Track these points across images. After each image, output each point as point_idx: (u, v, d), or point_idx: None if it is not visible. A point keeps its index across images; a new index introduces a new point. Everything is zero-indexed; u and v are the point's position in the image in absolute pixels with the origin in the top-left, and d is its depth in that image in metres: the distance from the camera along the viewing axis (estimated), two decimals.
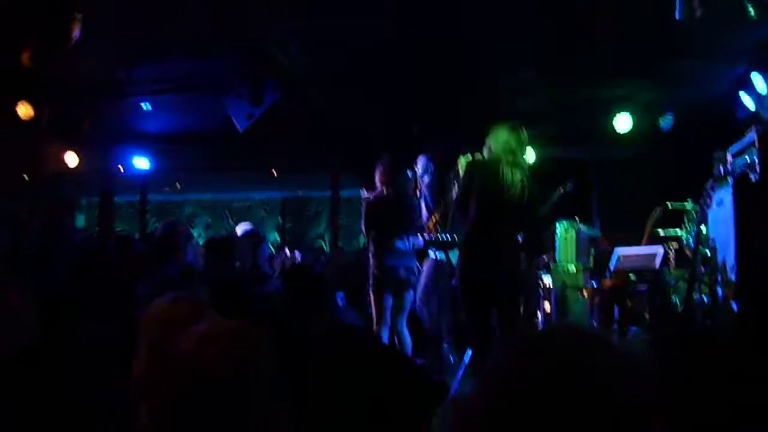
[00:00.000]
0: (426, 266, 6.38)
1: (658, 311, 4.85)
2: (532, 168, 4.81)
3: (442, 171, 6.56)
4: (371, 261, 5.76)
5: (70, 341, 3.04)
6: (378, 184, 5.89)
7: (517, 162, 4.63)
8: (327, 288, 6.71)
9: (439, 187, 6.50)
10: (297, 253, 8.27)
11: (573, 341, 1.05)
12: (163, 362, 1.62)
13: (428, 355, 6.29)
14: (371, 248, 5.80)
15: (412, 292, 5.86)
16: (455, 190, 5.62)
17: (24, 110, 8.02)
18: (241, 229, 6.97)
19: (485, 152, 4.82)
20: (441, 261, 5.82)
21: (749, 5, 5.12)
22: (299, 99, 7.86)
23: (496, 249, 4.53)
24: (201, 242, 14.11)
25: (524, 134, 4.75)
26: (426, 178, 6.60)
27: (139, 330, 2.26)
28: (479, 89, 8.43)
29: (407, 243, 5.77)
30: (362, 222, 5.92)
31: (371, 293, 5.74)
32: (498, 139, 4.68)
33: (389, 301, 5.70)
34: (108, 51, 7.10)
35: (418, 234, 5.87)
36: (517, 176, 4.58)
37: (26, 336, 2.36)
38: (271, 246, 11.73)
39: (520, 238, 4.90)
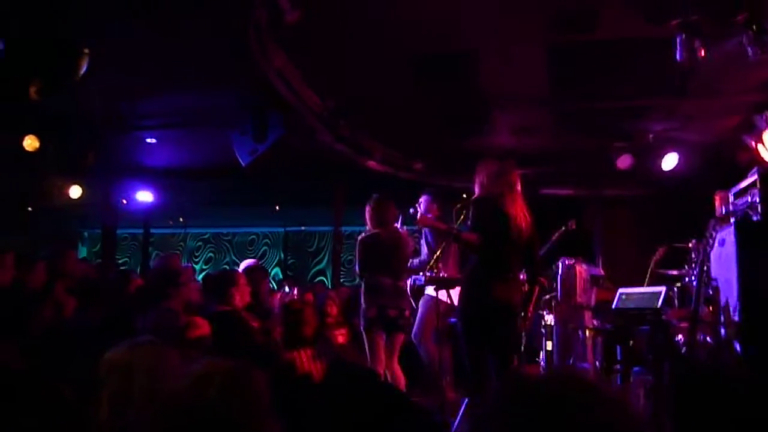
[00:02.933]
0: (422, 304, 6.35)
1: (661, 352, 4.80)
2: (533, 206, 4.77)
3: (445, 209, 6.56)
4: (362, 300, 5.76)
5: (65, 375, 3.02)
6: (368, 222, 5.91)
7: (515, 192, 4.61)
8: (321, 325, 6.70)
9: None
10: (294, 291, 8.24)
11: (564, 388, 1.05)
12: (159, 403, 1.61)
13: (427, 392, 6.23)
14: (362, 287, 5.81)
15: (402, 334, 5.84)
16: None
17: (30, 143, 8.08)
18: (244, 264, 6.97)
19: (476, 189, 4.79)
20: (439, 299, 5.80)
21: (749, 47, 5.17)
22: (303, 134, 7.90)
23: (501, 288, 4.48)
24: (202, 276, 14.11)
25: (514, 167, 4.74)
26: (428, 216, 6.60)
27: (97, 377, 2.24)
28: (483, 127, 8.48)
29: (403, 284, 5.77)
30: (356, 261, 5.93)
31: (363, 332, 5.74)
32: (491, 173, 4.66)
33: (382, 340, 5.68)
34: (113, 85, 7.17)
35: (418, 272, 5.87)
36: (519, 209, 4.56)
37: None
38: (272, 281, 11.71)
39: (523, 276, 4.87)
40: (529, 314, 4.80)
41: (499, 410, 1.06)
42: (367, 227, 5.96)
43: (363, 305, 5.72)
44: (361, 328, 5.73)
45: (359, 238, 5.96)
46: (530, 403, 1.04)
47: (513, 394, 1.08)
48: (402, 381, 5.76)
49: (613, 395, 1.08)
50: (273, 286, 10.09)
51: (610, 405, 1.05)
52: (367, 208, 5.94)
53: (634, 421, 1.07)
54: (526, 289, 4.80)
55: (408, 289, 6.00)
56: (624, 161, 8.83)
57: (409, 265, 6.08)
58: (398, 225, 6.15)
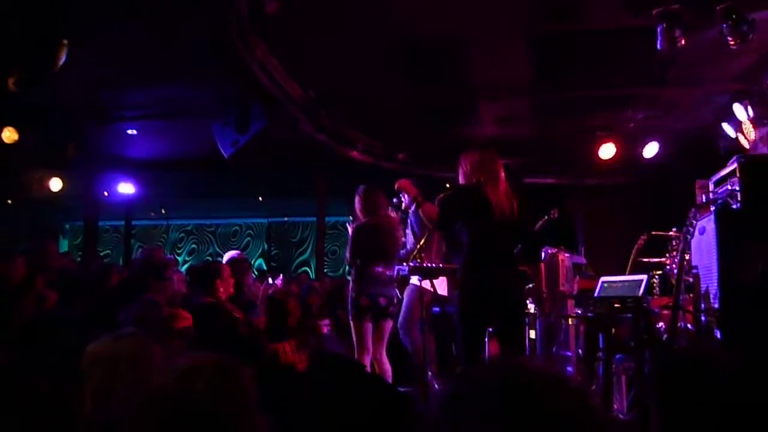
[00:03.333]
0: (407, 293, 6.36)
1: (643, 339, 4.85)
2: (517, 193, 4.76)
3: (428, 199, 6.56)
4: (351, 288, 5.75)
5: (46, 368, 3.00)
6: (359, 213, 5.90)
7: (497, 179, 4.60)
8: (305, 315, 6.69)
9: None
10: (279, 281, 8.22)
11: (525, 379, 1.08)
12: (143, 398, 1.60)
13: (412, 383, 6.25)
14: (353, 275, 5.79)
15: (390, 321, 5.83)
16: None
17: (8, 135, 7.99)
18: (228, 256, 6.94)
19: (460, 178, 4.79)
20: (423, 288, 5.80)
21: (729, 36, 5.21)
22: (285, 124, 7.88)
23: (496, 270, 4.47)
24: (185, 267, 14.05)
25: (495, 154, 4.73)
26: (412, 206, 6.60)
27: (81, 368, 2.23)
28: (466, 117, 8.50)
29: (393, 272, 5.75)
30: (348, 249, 5.89)
31: (351, 321, 5.72)
32: (472, 160, 4.66)
33: (369, 330, 5.67)
34: (93, 76, 7.10)
35: (403, 262, 5.86)
36: (503, 194, 4.55)
37: None
38: (255, 272, 11.68)
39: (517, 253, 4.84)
40: (544, 291, 4.79)
41: (462, 401, 1.08)
42: (358, 218, 5.94)
43: (352, 294, 5.70)
44: (350, 316, 5.72)
45: (354, 225, 5.92)
46: (491, 395, 1.05)
47: (474, 385, 1.10)
48: (389, 371, 5.77)
49: (573, 385, 1.10)
50: (255, 274, 10.06)
51: (571, 395, 1.07)
52: (356, 200, 5.92)
53: (594, 411, 1.09)
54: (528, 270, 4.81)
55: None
56: (606, 150, 8.88)
57: None
58: (391, 212, 6.16)
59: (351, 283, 5.78)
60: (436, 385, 6.28)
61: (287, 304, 5.12)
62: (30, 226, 14.76)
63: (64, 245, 16.49)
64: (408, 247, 6.36)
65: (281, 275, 8.40)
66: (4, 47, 5.72)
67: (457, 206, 4.62)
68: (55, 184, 10.30)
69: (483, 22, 6.06)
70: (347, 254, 5.90)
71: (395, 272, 5.79)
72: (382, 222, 5.83)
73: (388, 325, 5.81)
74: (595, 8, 5.71)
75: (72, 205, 12.81)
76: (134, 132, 9.34)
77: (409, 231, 6.49)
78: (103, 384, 2.12)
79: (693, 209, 4.65)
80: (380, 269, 5.68)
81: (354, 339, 5.68)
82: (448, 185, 5.63)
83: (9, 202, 12.72)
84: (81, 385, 2.20)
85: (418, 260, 5.76)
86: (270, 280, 8.64)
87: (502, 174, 4.64)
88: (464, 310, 4.45)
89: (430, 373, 6.01)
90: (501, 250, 4.51)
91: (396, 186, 5.48)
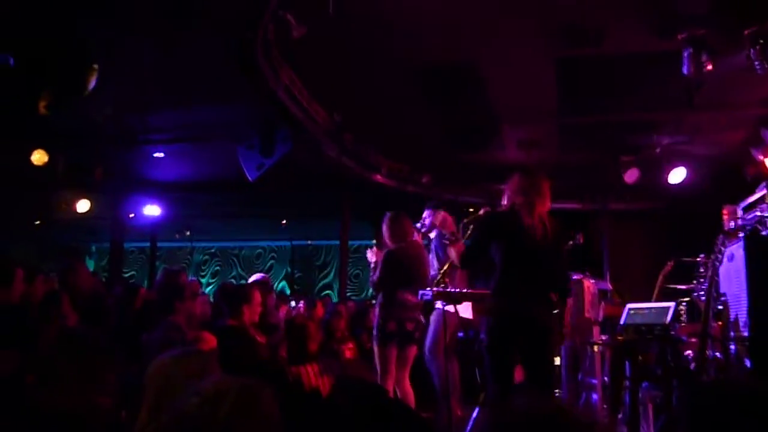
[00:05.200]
0: (433, 318, 6.32)
1: (670, 367, 4.77)
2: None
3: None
4: (378, 313, 5.71)
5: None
6: (387, 240, 5.88)
7: (533, 203, 4.50)
8: (328, 339, 6.66)
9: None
10: (300, 305, 8.23)
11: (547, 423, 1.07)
12: (165, 421, 1.60)
13: (436, 409, 6.19)
14: (381, 300, 5.75)
15: (415, 346, 5.79)
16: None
17: (38, 157, 8.12)
18: (253, 279, 6.97)
19: (504, 201, 4.74)
20: (448, 313, 5.76)
21: (756, 62, 5.17)
22: (310, 148, 7.93)
23: (526, 298, 4.37)
24: (209, 290, 14.13)
25: (538, 177, 4.64)
26: (433, 231, 6.58)
27: (142, 382, 2.24)
28: (490, 141, 8.49)
29: (417, 296, 5.72)
30: (378, 272, 5.83)
31: (376, 346, 5.68)
32: (512, 184, 4.59)
33: (394, 355, 5.64)
34: (122, 100, 7.21)
35: (428, 287, 5.83)
36: (536, 217, 4.44)
37: None
38: (275, 294, 11.70)
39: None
40: (565, 329, 4.63)
41: None
42: (386, 244, 5.91)
43: (379, 319, 5.66)
44: (375, 341, 5.68)
45: (387, 249, 5.88)
46: None
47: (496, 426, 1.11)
48: (411, 397, 5.72)
49: (592, 423, 1.12)
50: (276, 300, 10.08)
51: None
52: (384, 228, 5.90)
53: None
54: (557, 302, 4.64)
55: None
56: (631, 175, 8.81)
57: None
58: (417, 236, 6.15)
59: (378, 309, 5.75)
60: (459, 412, 6.21)
61: (307, 329, 5.10)
62: (56, 247, 14.96)
63: (90, 266, 16.66)
64: (433, 272, 6.34)
65: (303, 301, 8.40)
66: (35, 71, 5.83)
67: (484, 236, 4.55)
68: (83, 206, 10.44)
69: (507, 46, 6.08)
70: (374, 278, 5.86)
71: (419, 296, 5.76)
72: (411, 248, 5.82)
73: (413, 350, 5.77)
74: (621, 32, 5.69)
75: (99, 226, 12.96)
76: (161, 155, 9.45)
77: (432, 255, 6.47)
78: (159, 398, 2.13)
79: (721, 235, 4.58)
80: (409, 295, 5.65)
81: (378, 364, 5.64)
82: (471, 210, 5.60)
83: (37, 222, 12.91)
84: (141, 398, 2.22)
85: (442, 285, 5.73)
86: (293, 303, 8.64)
87: (542, 199, 4.52)
88: (492, 338, 4.38)
89: (453, 399, 5.95)
90: (533, 277, 4.40)
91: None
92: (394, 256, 5.76)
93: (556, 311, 4.54)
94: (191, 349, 2.35)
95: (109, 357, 2.50)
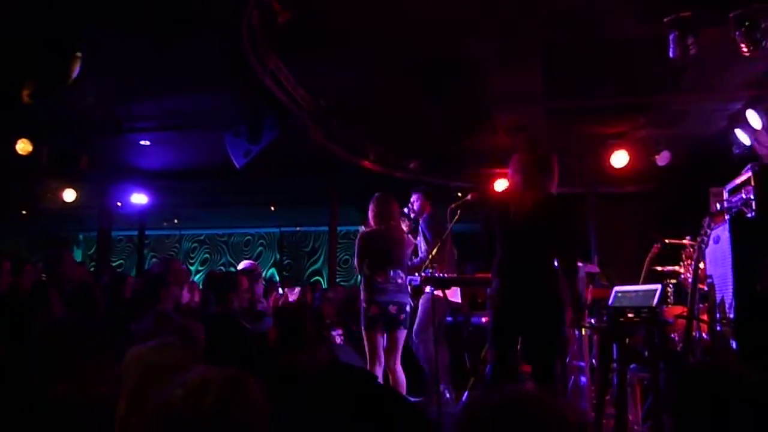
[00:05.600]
0: (422, 302, 6.34)
1: (657, 349, 4.80)
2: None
3: (440, 209, 6.55)
4: (362, 298, 5.72)
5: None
6: (371, 220, 5.88)
7: (529, 185, 4.44)
8: (318, 326, 6.67)
9: (436, 224, 6.48)
10: (295, 292, 8.22)
11: (525, 412, 1.09)
12: (150, 412, 1.59)
13: (425, 392, 6.22)
14: (362, 285, 5.76)
15: (404, 330, 5.79)
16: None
17: (23, 146, 8.05)
18: (242, 266, 6.96)
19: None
20: (437, 297, 5.78)
21: (742, 43, 5.18)
22: (297, 134, 7.90)
23: (527, 276, 4.31)
24: (198, 278, 14.11)
25: (532, 156, 4.58)
26: (424, 214, 6.59)
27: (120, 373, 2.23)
28: (478, 126, 8.48)
29: (403, 279, 5.72)
30: (355, 257, 5.87)
31: (363, 331, 5.68)
32: (512, 167, 4.55)
33: (381, 339, 5.64)
34: (107, 88, 7.15)
35: (416, 271, 5.84)
36: (529, 197, 4.38)
37: None
38: (264, 281, 11.70)
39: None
40: (571, 311, 4.47)
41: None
42: (369, 225, 5.92)
43: (363, 304, 5.68)
44: (362, 327, 5.69)
45: (359, 233, 5.90)
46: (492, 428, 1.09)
47: (474, 420, 1.14)
48: (403, 381, 5.73)
49: (574, 418, 1.12)
50: (265, 286, 10.07)
51: (562, 428, 1.10)
52: (370, 206, 5.90)
53: None
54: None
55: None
56: (618, 158, 8.84)
57: (409, 263, 6.06)
58: (403, 222, 6.15)
59: (361, 292, 5.76)
60: (448, 395, 6.25)
61: (298, 315, 5.10)
62: (44, 237, 14.88)
63: (77, 255, 16.61)
64: (422, 255, 6.35)
65: (296, 288, 8.39)
66: (18, 59, 5.77)
67: (484, 227, 4.52)
68: (69, 195, 10.38)
69: (495, 31, 6.06)
70: (354, 262, 5.89)
71: (407, 280, 5.76)
72: (387, 230, 5.80)
73: (402, 334, 5.77)
74: (607, 16, 5.69)
75: (86, 215, 12.90)
76: (147, 143, 9.39)
77: (420, 238, 6.48)
78: (138, 389, 2.13)
79: (707, 218, 4.61)
80: (389, 275, 5.65)
81: (366, 349, 5.65)
82: (459, 194, 5.61)
83: (23, 213, 12.83)
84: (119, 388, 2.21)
85: (431, 269, 5.73)
86: (280, 290, 8.64)
87: (533, 179, 4.45)
88: (491, 321, 4.39)
89: (442, 383, 5.99)
90: (524, 260, 4.35)
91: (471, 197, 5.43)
92: (366, 238, 5.77)
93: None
94: (169, 340, 2.34)
95: (109, 346, 2.49)
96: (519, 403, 1.14)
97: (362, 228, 5.99)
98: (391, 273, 5.64)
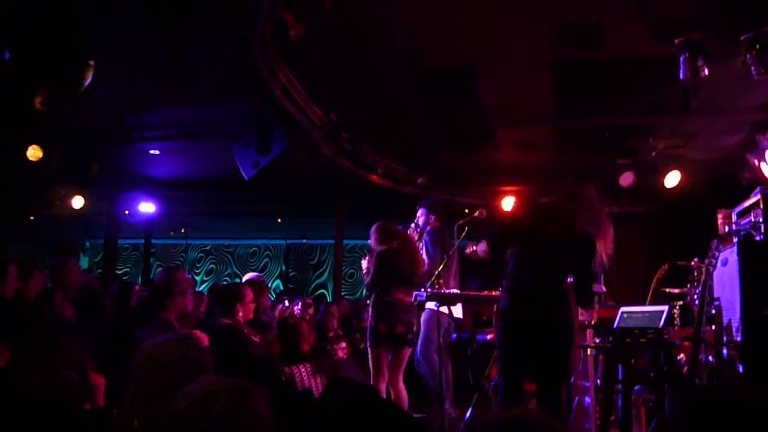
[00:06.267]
0: (425, 319, 6.32)
1: (663, 371, 4.77)
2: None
3: (448, 225, 6.55)
4: (370, 314, 5.70)
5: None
6: (375, 247, 5.88)
7: (558, 214, 4.44)
8: (321, 340, 6.64)
9: (441, 239, 6.48)
10: (297, 305, 8.21)
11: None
12: (156, 422, 1.60)
13: (429, 409, 6.20)
14: (372, 301, 5.75)
15: (409, 348, 5.79)
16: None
17: (33, 153, 8.10)
18: (247, 277, 6.96)
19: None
20: (441, 314, 5.77)
21: (752, 67, 5.18)
22: (306, 147, 7.92)
23: (526, 299, 4.28)
24: (204, 288, 14.11)
25: (571, 189, 4.59)
26: (427, 228, 6.59)
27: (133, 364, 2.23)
28: (486, 143, 8.49)
29: (411, 298, 5.72)
30: (370, 273, 5.83)
31: (369, 348, 5.67)
32: (542, 192, 4.58)
33: (387, 356, 5.64)
34: (118, 97, 7.20)
35: (420, 287, 5.83)
36: (556, 227, 4.37)
37: None
38: (272, 293, 11.69)
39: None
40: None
41: None
42: (380, 245, 5.91)
43: (371, 321, 5.66)
44: (368, 344, 5.68)
45: (377, 251, 5.88)
46: None
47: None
48: (405, 397, 5.72)
49: None
50: (272, 296, 10.07)
51: None
52: (372, 238, 5.92)
53: None
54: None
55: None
56: (626, 178, 8.82)
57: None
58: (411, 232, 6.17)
59: (370, 310, 5.75)
60: (452, 412, 6.22)
61: (300, 329, 5.10)
62: (51, 243, 14.93)
63: (84, 262, 16.64)
64: (425, 267, 6.34)
65: (299, 301, 8.39)
66: (31, 67, 5.81)
67: (501, 240, 4.52)
68: (77, 202, 10.42)
69: (503, 47, 6.08)
70: (367, 279, 5.87)
71: (413, 297, 5.76)
72: (401, 248, 5.81)
73: (407, 352, 5.77)
74: (617, 36, 5.70)
75: (93, 222, 12.94)
76: (156, 152, 9.43)
77: (423, 252, 6.47)
78: (149, 383, 2.13)
79: (715, 240, 4.60)
80: (400, 296, 5.65)
81: (371, 365, 5.64)
82: (467, 210, 5.61)
83: (32, 218, 12.87)
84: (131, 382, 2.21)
85: (436, 286, 5.73)
86: (287, 303, 8.63)
87: (563, 208, 4.46)
88: (498, 337, 4.36)
89: (446, 400, 5.96)
90: (535, 279, 4.32)
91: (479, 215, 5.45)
92: (387, 256, 5.77)
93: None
94: (180, 335, 2.34)
95: (69, 332, 2.51)
96: (520, 423, 1.13)
97: (369, 243, 6.00)
98: (403, 292, 5.64)
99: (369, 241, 5.94)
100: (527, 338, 4.23)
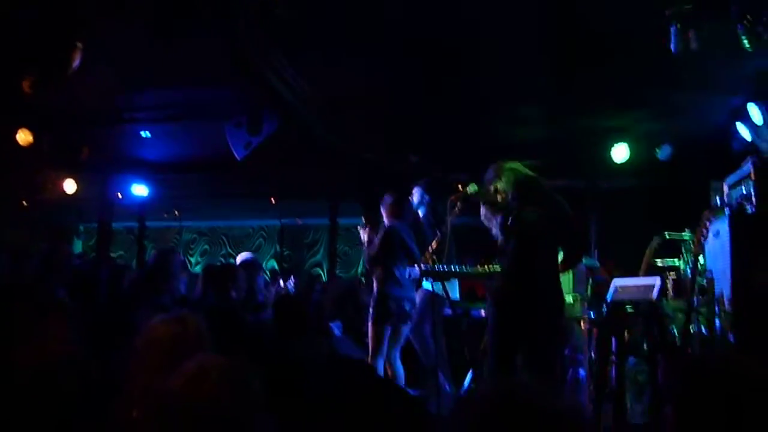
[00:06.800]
0: (419, 296, 6.35)
1: (656, 343, 4.81)
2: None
3: (438, 201, 6.55)
4: (376, 291, 5.70)
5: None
6: (386, 218, 5.89)
7: (529, 198, 4.48)
8: (316, 317, 6.68)
9: (434, 218, 6.48)
10: (291, 282, 8.23)
11: (508, 406, 1.12)
12: (152, 401, 1.61)
13: (423, 386, 6.24)
14: (378, 277, 5.74)
15: (409, 324, 5.82)
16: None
17: (23, 137, 8.05)
18: (240, 258, 6.96)
19: (494, 188, 4.69)
20: (435, 291, 5.79)
21: (743, 37, 5.16)
22: (298, 126, 7.89)
23: (531, 276, 4.33)
24: (198, 269, 14.12)
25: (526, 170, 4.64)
26: (421, 209, 6.59)
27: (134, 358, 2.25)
28: (477, 119, 8.47)
29: (413, 275, 5.75)
30: (376, 250, 5.82)
31: (371, 324, 5.69)
32: (509, 179, 4.57)
33: (387, 333, 5.66)
34: (107, 79, 7.14)
35: (414, 264, 5.85)
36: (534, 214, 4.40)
37: None
38: (266, 273, 11.71)
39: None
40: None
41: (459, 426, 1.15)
42: (385, 221, 5.93)
43: (378, 297, 5.66)
44: (371, 320, 5.69)
45: (387, 225, 5.88)
46: (478, 422, 1.12)
47: (470, 411, 1.17)
48: (402, 374, 5.76)
49: (559, 409, 1.14)
50: (267, 279, 10.08)
51: (555, 420, 1.12)
52: (385, 207, 5.92)
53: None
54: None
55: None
56: (619, 152, 8.83)
57: None
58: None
59: (376, 287, 5.74)
60: (447, 388, 6.26)
61: (297, 307, 5.11)
62: (45, 228, 14.88)
63: (78, 246, 16.60)
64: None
65: (293, 278, 8.41)
66: (19, 50, 5.77)
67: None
68: (70, 186, 10.39)
69: (495, 22, 6.04)
70: (371, 252, 5.83)
71: (407, 273, 5.78)
72: (409, 226, 5.86)
73: (407, 329, 5.80)
74: (605, 7, 5.67)
75: (86, 206, 12.90)
76: (148, 134, 9.39)
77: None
78: (150, 363, 2.15)
79: (707, 212, 4.61)
80: (408, 272, 5.69)
81: (371, 342, 5.66)
82: (460, 186, 5.59)
83: (24, 203, 12.83)
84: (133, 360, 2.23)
85: (431, 263, 5.74)
86: (281, 282, 8.65)
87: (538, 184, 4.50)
88: (492, 317, 4.40)
89: (441, 375, 6.00)
90: (532, 260, 4.35)
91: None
92: (395, 232, 5.77)
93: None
94: (178, 314, 2.36)
95: (59, 306, 2.52)
96: (512, 394, 1.15)
97: (362, 224, 6.01)
98: (409, 268, 5.68)
99: (383, 208, 5.94)
100: (519, 316, 4.28)
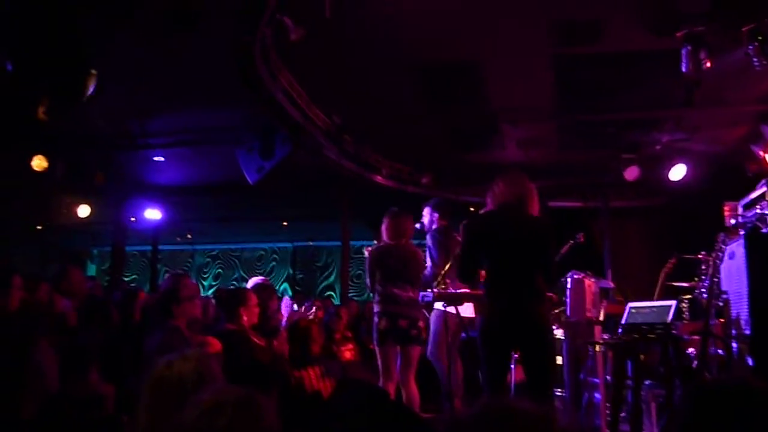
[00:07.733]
0: (433, 319, 6.31)
1: (672, 366, 4.75)
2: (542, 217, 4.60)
3: (453, 223, 6.53)
4: (375, 311, 5.73)
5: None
6: (384, 234, 5.90)
7: (509, 204, 4.42)
8: (328, 342, 6.64)
9: (445, 239, 6.46)
10: (306, 305, 8.21)
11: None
12: None
13: (442, 409, 6.18)
14: (374, 299, 5.77)
15: (418, 346, 5.77)
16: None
17: (38, 163, 8.12)
18: (252, 282, 6.94)
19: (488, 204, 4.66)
20: (449, 313, 5.74)
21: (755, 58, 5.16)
22: (310, 150, 7.92)
23: (511, 296, 4.31)
24: (211, 292, 14.13)
25: (515, 177, 4.58)
26: (431, 230, 6.57)
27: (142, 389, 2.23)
28: (489, 140, 8.48)
29: (414, 294, 5.71)
30: (366, 272, 5.91)
31: (376, 347, 5.67)
32: (492, 187, 4.52)
33: (395, 355, 5.62)
34: (121, 105, 7.21)
35: (426, 287, 5.81)
36: (514, 217, 4.36)
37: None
38: (280, 296, 11.70)
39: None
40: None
41: None
42: (382, 240, 5.93)
43: (375, 318, 5.68)
44: (375, 342, 5.68)
45: (369, 250, 5.93)
46: None
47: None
48: (416, 398, 5.70)
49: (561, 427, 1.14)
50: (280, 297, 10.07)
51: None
52: (385, 221, 5.92)
53: None
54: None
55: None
56: (632, 172, 8.79)
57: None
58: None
59: (374, 308, 5.76)
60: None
61: (310, 331, 5.10)
62: (59, 252, 14.98)
63: (91, 270, 16.69)
64: (427, 272, 6.31)
65: (307, 303, 8.39)
66: (34, 76, 5.83)
67: (468, 245, 4.50)
68: (84, 211, 10.45)
69: (504, 44, 6.07)
70: (366, 279, 5.92)
71: (420, 297, 5.74)
72: (398, 246, 5.81)
73: (416, 351, 5.75)
74: (619, 29, 5.69)
75: (100, 230, 12.98)
76: (161, 159, 9.46)
77: (428, 255, 6.45)
78: (161, 402, 2.12)
79: (722, 233, 4.57)
80: (400, 291, 5.66)
81: (379, 365, 5.63)
82: (472, 209, 5.59)
83: (39, 228, 12.93)
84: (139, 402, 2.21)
85: (443, 286, 5.71)
86: (295, 306, 8.62)
87: (520, 197, 4.44)
88: (482, 336, 4.36)
89: (457, 399, 5.95)
90: (514, 276, 4.33)
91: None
92: (375, 256, 5.81)
93: (557, 311, 4.49)
94: (187, 352, 2.34)
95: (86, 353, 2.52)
96: (499, 412, 1.15)
97: (374, 243, 6.00)
98: (402, 287, 5.65)
99: (383, 223, 5.94)
100: (511, 334, 4.25)
